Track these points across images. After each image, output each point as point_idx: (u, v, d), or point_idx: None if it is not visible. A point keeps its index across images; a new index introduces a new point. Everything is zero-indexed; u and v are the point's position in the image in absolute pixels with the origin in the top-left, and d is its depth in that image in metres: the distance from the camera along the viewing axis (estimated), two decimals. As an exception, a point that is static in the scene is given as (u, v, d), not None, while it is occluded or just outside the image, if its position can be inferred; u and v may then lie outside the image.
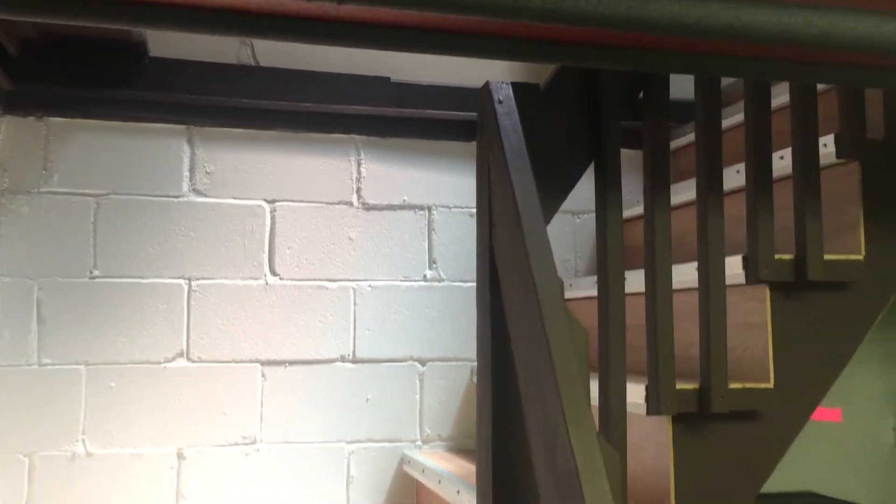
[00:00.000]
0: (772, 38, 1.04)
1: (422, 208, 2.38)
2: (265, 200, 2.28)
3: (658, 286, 1.45)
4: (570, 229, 2.51)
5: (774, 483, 2.56)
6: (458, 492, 1.78)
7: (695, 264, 1.56)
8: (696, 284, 1.53)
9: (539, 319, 1.16)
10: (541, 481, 1.15)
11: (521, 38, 1.11)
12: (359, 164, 2.34)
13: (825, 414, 1.75)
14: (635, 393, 1.47)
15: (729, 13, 1.01)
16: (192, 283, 2.21)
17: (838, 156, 1.58)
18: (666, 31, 1.02)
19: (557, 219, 2.47)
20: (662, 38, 1.12)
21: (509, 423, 1.34)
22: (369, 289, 2.32)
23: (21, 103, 2.13)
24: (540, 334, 1.15)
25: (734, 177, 1.70)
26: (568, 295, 2.33)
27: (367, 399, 2.30)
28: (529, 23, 0.97)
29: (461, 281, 2.38)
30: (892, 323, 2.72)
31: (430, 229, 2.38)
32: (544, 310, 1.16)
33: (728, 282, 1.51)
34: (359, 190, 2.34)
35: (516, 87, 1.42)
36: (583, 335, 1.20)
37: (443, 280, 2.37)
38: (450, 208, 2.39)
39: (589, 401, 1.23)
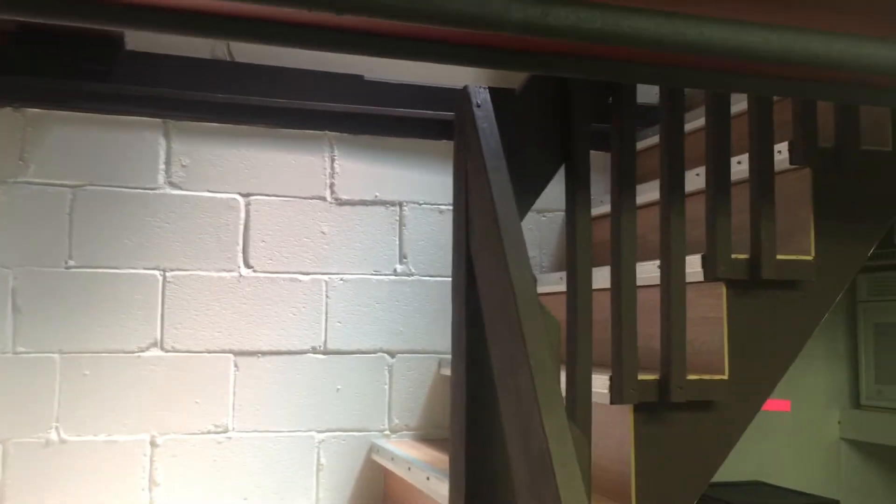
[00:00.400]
0: (732, 54, 1.13)
1: (393, 204, 2.44)
2: (240, 194, 2.33)
3: (623, 283, 1.54)
4: (536, 227, 2.59)
5: (726, 473, 2.67)
6: (428, 478, 1.85)
7: (657, 262, 1.64)
8: (658, 281, 1.62)
9: (515, 312, 1.23)
10: (514, 464, 1.23)
11: (498, 48, 1.19)
12: (332, 160, 2.40)
13: (776, 405, 1.86)
14: (600, 383, 1.55)
15: (694, 30, 1.10)
16: (167, 274, 2.25)
17: (791, 162, 1.69)
18: (637, 45, 1.10)
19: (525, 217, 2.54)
20: (633, 50, 1.20)
21: (482, 410, 1.42)
22: (341, 282, 2.39)
23: (-2, 93, 2.15)
24: (515, 326, 1.23)
25: (695, 180, 1.80)
26: (543, 290, 2.42)
27: (338, 389, 2.36)
28: (513, 35, 1.04)
29: (430, 275, 2.45)
30: (837, 321, 2.85)
31: (401, 224, 2.45)
32: (520, 303, 1.23)
33: (687, 279, 1.60)
34: (332, 185, 2.40)
35: (493, 91, 1.49)
36: (555, 327, 1.28)
37: (412, 274, 2.44)
38: (420, 204, 2.46)
39: (560, 389, 1.31)
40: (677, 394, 1.55)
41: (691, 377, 1.58)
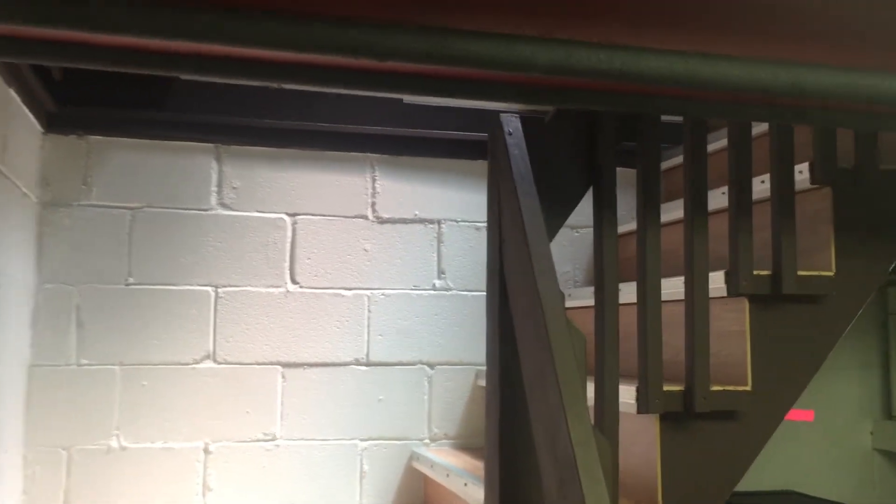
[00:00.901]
0: (743, 88, 1.22)
1: (431, 222, 2.55)
2: (287, 214, 2.45)
3: (648, 297, 1.63)
4: (569, 242, 2.68)
5: (758, 482, 2.73)
6: (466, 484, 1.95)
7: (682, 278, 1.73)
8: (682, 296, 1.70)
9: (543, 326, 1.33)
10: (543, 469, 1.33)
11: (528, 85, 1.29)
12: (373, 181, 2.52)
13: (799, 415, 1.91)
14: (627, 394, 1.64)
15: (708, 68, 1.19)
16: (219, 290, 2.39)
17: (812, 182, 1.76)
18: (654, 82, 1.19)
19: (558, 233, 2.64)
20: (652, 86, 1.29)
21: (514, 418, 1.51)
22: (382, 297, 2.50)
23: (63, 123, 2.31)
24: (544, 339, 1.32)
25: (719, 198, 1.88)
26: (568, 304, 2.51)
27: (380, 400, 2.47)
28: (540, 76, 1.14)
29: (468, 290, 2.55)
30: (869, 333, 2.89)
31: (440, 241, 2.55)
32: (548, 318, 1.33)
33: (711, 294, 1.68)
34: (373, 204, 2.52)
35: (524, 119, 1.60)
36: (581, 341, 1.38)
37: (451, 289, 2.55)
38: (457, 222, 2.56)
39: (586, 399, 1.41)
40: (701, 404, 1.63)
41: (715, 388, 1.65)
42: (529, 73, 1.13)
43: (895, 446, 2.78)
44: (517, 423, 1.50)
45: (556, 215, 1.63)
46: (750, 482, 2.73)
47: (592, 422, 1.58)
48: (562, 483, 1.24)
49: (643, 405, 1.62)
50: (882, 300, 2.90)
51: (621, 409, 1.63)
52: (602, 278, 1.61)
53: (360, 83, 1.16)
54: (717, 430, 1.67)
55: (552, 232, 1.64)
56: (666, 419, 1.65)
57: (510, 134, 1.58)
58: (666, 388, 1.64)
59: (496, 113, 1.61)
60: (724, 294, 1.71)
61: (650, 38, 1.18)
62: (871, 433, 2.84)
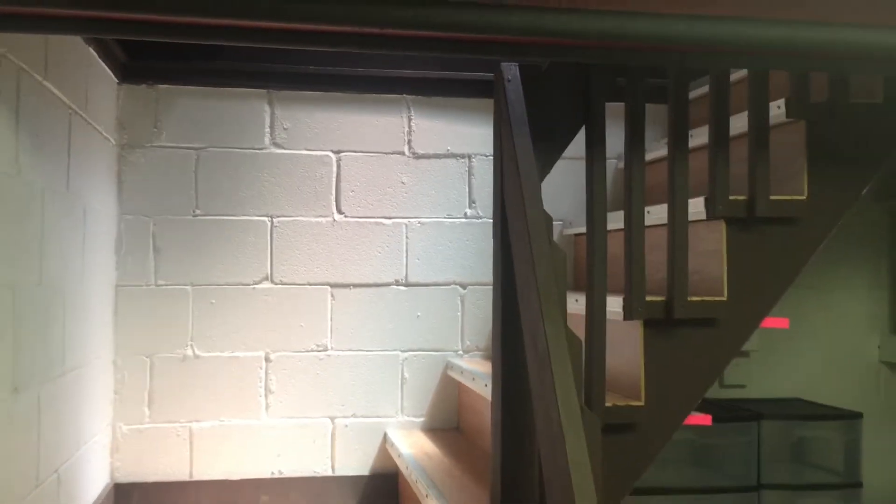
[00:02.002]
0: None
1: (463, 157, 2.82)
2: (332, 151, 2.75)
3: (633, 221, 1.87)
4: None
5: (769, 390, 2.97)
6: (486, 385, 2.25)
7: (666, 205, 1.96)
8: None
9: (528, 244, 1.60)
10: (528, 361, 1.61)
11: (522, 44, 1.53)
12: (409, 120, 2.79)
13: (774, 322, 2.12)
14: (615, 304, 1.90)
15: (657, 27, 1.42)
16: (274, 220, 2.71)
17: (788, 116, 1.96)
18: (618, 39, 1.43)
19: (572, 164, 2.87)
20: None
21: (512, 323, 1.80)
22: (419, 225, 2.79)
23: (135, 74, 2.63)
24: (529, 255, 1.59)
25: (702, 135, 2.09)
26: (573, 230, 2.77)
27: (418, 316, 2.78)
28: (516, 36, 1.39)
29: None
30: (880, 254, 3.07)
31: (470, 174, 2.82)
32: (532, 238, 1.60)
33: (693, 218, 1.92)
34: (409, 141, 2.79)
35: (522, 68, 1.84)
36: (562, 257, 1.65)
37: (480, 217, 2.82)
38: (486, 156, 2.82)
39: (564, 304, 1.68)
40: (680, 311, 1.88)
41: (693, 298, 1.90)
42: (505, 34, 1.38)
43: (900, 359, 2.98)
44: (514, 327, 1.79)
45: (551, 151, 1.88)
46: (760, 390, 2.98)
47: (584, 328, 1.86)
48: (540, 370, 1.52)
49: (628, 313, 1.88)
50: (891, 224, 3.06)
51: (610, 317, 1.89)
52: (592, 204, 1.85)
53: (368, 45, 1.43)
54: (694, 335, 1.92)
55: (549, 165, 1.89)
56: (649, 325, 1.90)
57: (509, 81, 1.82)
58: (649, 298, 1.89)
59: (498, 65, 1.85)
60: (704, 217, 1.94)
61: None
62: (879, 347, 3.05)
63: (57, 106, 1.92)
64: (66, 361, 2.02)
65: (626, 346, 1.97)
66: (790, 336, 2.99)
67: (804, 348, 3.00)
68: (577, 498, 1.33)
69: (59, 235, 1.94)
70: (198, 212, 2.67)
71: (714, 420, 2.51)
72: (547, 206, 1.70)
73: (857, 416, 2.69)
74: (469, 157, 2.82)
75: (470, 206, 2.82)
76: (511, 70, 1.83)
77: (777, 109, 1.98)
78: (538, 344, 1.55)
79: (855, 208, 2.98)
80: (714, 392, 2.95)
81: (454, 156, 2.81)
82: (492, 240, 2.80)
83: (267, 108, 2.71)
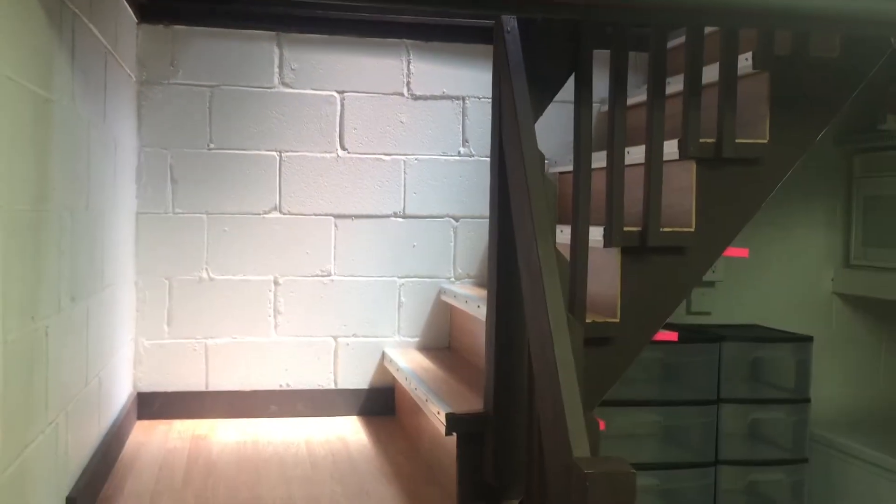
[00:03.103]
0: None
1: (457, 98, 3.03)
2: (336, 91, 2.95)
3: (615, 159, 2.11)
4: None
5: (729, 316, 3.27)
6: (479, 306, 2.51)
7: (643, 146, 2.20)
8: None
9: (524, 177, 1.84)
10: (522, 280, 1.86)
11: (521, 3, 1.74)
12: (408, 63, 2.99)
13: (735, 252, 2.38)
14: (596, 232, 2.15)
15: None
16: (283, 154, 2.92)
17: (754, 67, 2.19)
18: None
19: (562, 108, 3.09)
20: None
21: (507, 250, 2.04)
22: (416, 161, 3.01)
23: (153, 14, 2.80)
24: (524, 186, 1.83)
25: (678, 83, 2.32)
26: (560, 169, 3.01)
27: (414, 245, 3.03)
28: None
29: (487, 156, 3.05)
30: (836, 195, 3.35)
31: (464, 115, 3.04)
32: (528, 171, 1.83)
33: (667, 158, 2.16)
34: (408, 83, 3.00)
35: (520, 21, 2.05)
36: (552, 188, 1.89)
37: (473, 155, 3.05)
38: (479, 98, 3.03)
39: (554, 229, 1.93)
40: (653, 239, 2.13)
41: (665, 229, 2.15)
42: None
43: (850, 290, 3.28)
44: (508, 253, 2.04)
45: (544, 94, 2.11)
46: (724, 316, 3.27)
47: (568, 255, 2.11)
48: (532, 286, 1.78)
49: (608, 240, 2.13)
50: (848, 167, 3.33)
51: (592, 245, 2.14)
52: (579, 144, 2.09)
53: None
54: (665, 261, 2.18)
55: (542, 107, 2.13)
56: (626, 252, 2.16)
57: (508, 32, 2.04)
58: (626, 228, 2.14)
59: (498, 18, 2.06)
60: (677, 157, 2.18)
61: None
62: (832, 279, 3.34)
63: (98, 46, 2.11)
64: (105, 279, 2.25)
65: (605, 271, 2.23)
66: (752, 268, 3.28)
67: (764, 280, 3.29)
68: (563, 389, 1.60)
69: (98, 165, 2.15)
70: (212, 146, 2.87)
71: (681, 341, 2.81)
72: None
73: (807, 339, 2.99)
74: (463, 98, 3.04)
75: (463, 145, 3.05)
76: (510, 22, 2.05)
77: (745, 61, 2.21)
78: (531, 261, 1.80)
79: (816, 151, 3.27)
80: (682, 318, 3.24)
81: (449, 97, 3.03)
82: (483, 176, 3.05)
83: (276, 49, 2.90)
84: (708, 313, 3.26)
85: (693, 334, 2.95)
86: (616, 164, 2.11)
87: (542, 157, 1.93)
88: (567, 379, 1.62)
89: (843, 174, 3.34)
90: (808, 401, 2.96)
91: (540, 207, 1.80)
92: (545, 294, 1.71)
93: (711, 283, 3.24)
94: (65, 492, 1.83)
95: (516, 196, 1.92)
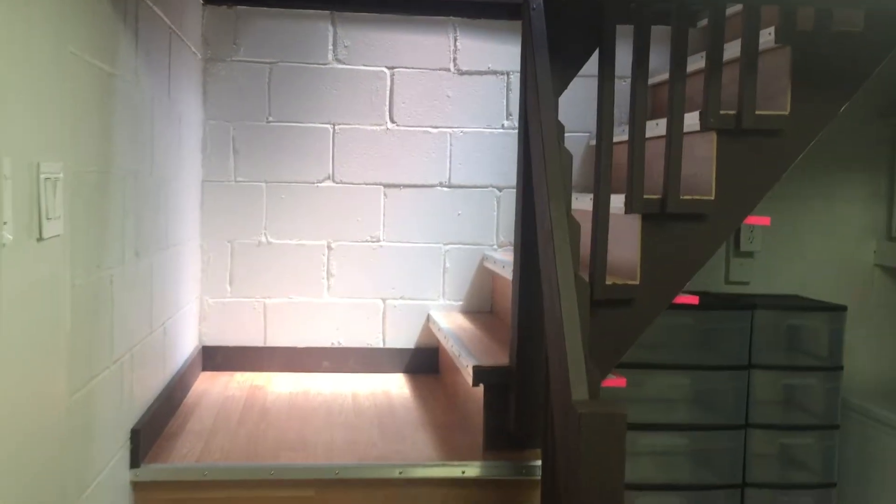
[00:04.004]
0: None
1: (502, 73, 3.17)
2: (386, 67, 3.12)
3: (636, 133, 2.23)
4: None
5: (769, 286, 3.34)
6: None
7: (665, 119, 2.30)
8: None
9: (542, 146, 1.98)
10: (538, 240, 2.01)
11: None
12: (455, 40, 3.14)
13: (756, 220, 2.44)
14: (618, 200, 2.27)
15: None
16: (336, 127, 3.12)
17: (776, 41, 2.27)
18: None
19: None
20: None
21: (529, 218, 2.19)
22: (461, 133, 3.17)
23: (217, -3, 3.02)
24: (541, 155, 1.97)
25: (698, 61, 2.41)
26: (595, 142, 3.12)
27: (459, 214, 3.19)
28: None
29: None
30: (880, 168, 3.36)
31: (508, 89, 3.18)
32: (545, 141, 1.97)
33: (689, 129, 2.26)
34: (454, 59, 3.15)
35: (545, -2, 2.18)
36: (568, 157, 2.02)
37: (515, 128, 3.18)
38: (523, 73, 3.16)
39: (568, 195, 2.06)
40: (673, 207, 2.24)
41: (685, 197, 2.26)
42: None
43: (893, 262, 3.30)
44: (530, 221, 2.18)
45: (568, 69, 2.23)
46: (762, 287, 3.34)
47: (591, 221, 2.24)
48: (544, 247, 1.93)
49: (629, 207, 2.25)
50: (892, 140, 3.34)
51: (613, 211, 2.27)
52: (602, 117, 2.21)
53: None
54: (685, 227, 2.29)
55: (566, 82, 2.25)
56: (646, 219, 2.27)
57: (534, 9, 2.17)
58: (646, 196, 2.26)
59: (525, -5, 2.19)
60: (698, 129, 2.29)
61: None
62: (874, 252, 3.37)
63: (161, 26, 2.33)
64: (168, 239, 2.49)
65: (626, 237, 2.35)
66: (792, 239, 3.33)
67: (805, 251, 3.34)
68: (567, 339, 1.75)
69: (163, 136, 2.37)
70: (270, 119, 3.08)
71: (714, 308, 2.91)
72: (575, 121, 2.07)
73: (842, 308, 3.04)
74: (507, 73, 3.17)
75: (507, 119, 3.19)
76: (535, 0, 2.18)
77: (767, 36, 2.29)
78: (544, 224, 1.94)
79: (861, 125, 3.32)
80: (720, 287, 3.32)
81: (494, 72, 3.17)
82: (525, 148, 3.19)
83: (330, 27, 3.09)
84: (746, 283, 3.33)
85: (727, 302, 3.04)
86: (637, 134, 2.23)
87: (561, 127, 2.06)
88: (571, 330, 1.77)
89: (888, 147, 3.35)
90: (840, 368, 3.02)
91: (554, 174, 1.94)
92: (555, 253, 1.86)
93: (750, 254, 3.32)
94: (130, 424, 2.07)
95: (536, 163, 2.06)
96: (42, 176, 1.39)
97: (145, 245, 2.19)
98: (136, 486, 2.09)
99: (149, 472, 2.11)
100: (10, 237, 1.26)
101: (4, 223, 1.23)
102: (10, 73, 1.25)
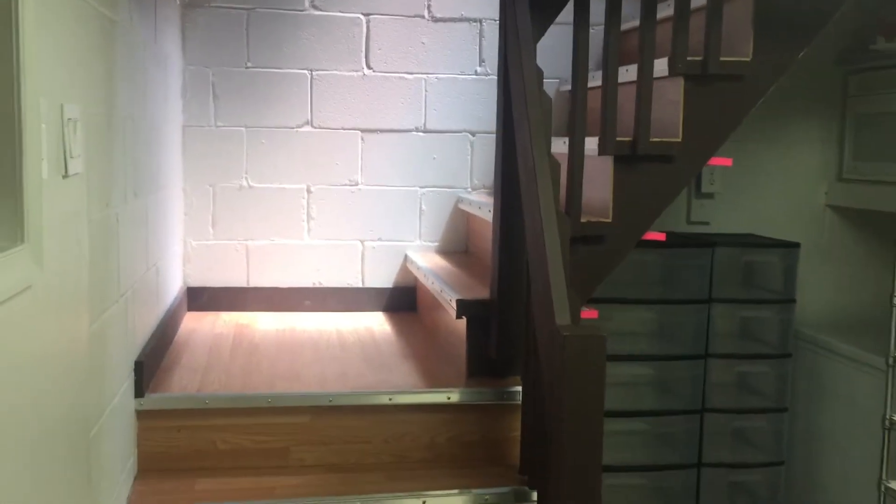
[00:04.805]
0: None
1: (475, 20, 3.26)
2: (362, 13, 3.20)
3: (609, 76, 2.35)
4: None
5: (725, 225, 3.52)
6: (490, 211, 2.79)
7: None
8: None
9: (523, 92, 2.09)
10: (520, 179, 2.14)
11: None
12: (429, -13, 3.22)
13: (720, 161, 2.61)
14: (592, 142, 2.41)
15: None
16: (313, 73, 3.19)
17: (740, -8, 2.41)
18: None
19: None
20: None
21: (510, 157, 2.31)
22: (436, 80, 3.27)
23: (194, -58, 3.05)
24: (523, 100, 2.09)
25: (666, 9, 2.53)
26: (569, 87, 3.24)
27: (434, 158, 3.30)
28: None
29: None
30: (832, 114, 3.55)
31: (481, 36, 3.27)
32: (526, 86, 2.09)
33: (658, 74, 2.40)
34: (429, 6, 3.23)
35: (524, -52, 2.27)
36: (548, 101, 2.14)
37: (489, 74, 3.29)
38: (495, 20, 3.25)
39: (549, 137, 2.19)
40: (643, 148, 2.38)
41: (654, 140, 2.40)
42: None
43: (843, 202, 3.51)
44: (511, 160, 2.31)
45: (546, 16, 2.34)
46: (721, 226, 3.53)
47: (566, 163, 2.37)
48: (527, 184, 2.06)
49: (602, 148, 2.39)
50: (843, 86, 3.52)
51: (588, 153, 2.40)
52: (577, 62, 2.33)
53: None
54: (654, 168, 2.43)
55: (543, 29, 2.37)
56: (619, 160, 2.41)
57: (513, -41, 2.27)
58: (619, 139, 2.40)
59: (505, -58, 2.29)
60: (667, 74, 2.42)
61: None
62: (826, 192, 3.57)
63: (149, -27, 2.38)
64: (159, 181, 2.57)
65: (599, 178, 2.49)
66: (749, 181, 3.51)
67: (761, 192, 3.53)
68: (551, 270, 1.89)
69: (152, 80, 2.44)
70: (249, 64, 3.15)
71: (676, 245, 3.08)
72: (547, 66, 2.19)
73: (795, 245, 3.24)
74: (480, 21, 3.26)
75: (480, 65, 3.29)
76: (515, -50, 2.27)
77: (732, -14, 2.42)
78: (527, 163, 2.07)
79: (816, 72, 3.48)
80: (682, 227, 3.50)
81: (467, 20, 3.26)
82: (496, 93, 3.30)
83: (307, -26, 3.15)
84: (706, 223, 3.51)
85: (688, 240, 3.21)
86: (610, 79, 2.36)
87: (540, 72, 2.18)
88: (554, 261, 1.91)
89: (839, 93, 3.53)
90: (793, 301, 3.23)
91: (536, 116, 2.06)
92: (538, 190, 1.99)
93: (710, 195, 3.49)
94: (133, 356, 2.18)
95: (517, 108, 2.18)
96: (66, 117, 1.48)
97: (141, 186, 2.27)
98: (141, 414, 2.20)
99: (152, 401, 2.22)
100: (46, 174, 1.35)
101: (42, 160, 1.32)
102: (36, 17, 1.32)
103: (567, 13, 2.36)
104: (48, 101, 1.37)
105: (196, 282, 3.19)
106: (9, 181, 1.22)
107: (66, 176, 1.49)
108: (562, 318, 1.82)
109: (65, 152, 1.48)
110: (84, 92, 1.65)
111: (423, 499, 2.14)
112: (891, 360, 2.80)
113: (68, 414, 1.52)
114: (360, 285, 3.30)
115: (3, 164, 1.21)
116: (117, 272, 1.96)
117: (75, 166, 1.54)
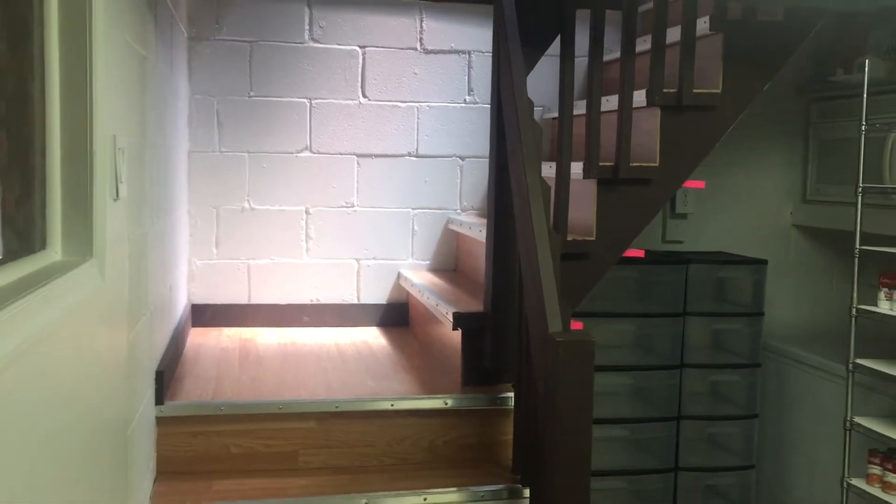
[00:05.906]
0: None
1: (464, 52, 3.48)
2: (358, 46, 3.40)
3: (593, 108, 2.57)
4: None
5: (696, 244, 3.75)
6: (480, 231, 2.99)
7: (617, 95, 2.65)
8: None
9: (517, 121, 2.30)
10: (514, 201, 2.34)
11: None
12: (421, 21, 3.43)
13: (693, 184, 2.84)
14: (577, 167, 2.62)
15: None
16: (312, 101, 3.38)
17: (710, 29, 2.64)
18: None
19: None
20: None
21: (503, 183, 2.52)
22: (428, 108, 3.47)
23: (200, -21, 3.24)
24: (516, 129, 2.30)
25: (643, 45, 2.76)
26: (552, 115, 3.46)
27: (426, 181, 3.50)
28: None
29: (489, 103, 3.50)
30: (796, 139, 3.80)
31: (469, 67, 3.49)
32: (519, 114, 2.30)
33: (637, 105, 2.62)
34: (421, 39, 3.44)
35: (515, -13, 2.49)
36: (539, 131, 2.35)
37: (477, 103, 3.50)
38: (483, 52, 3.48)
39: (540, 163, 2.40)
40: (624, 172, 2.60)
41: (634, 164, 2.62)
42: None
43: (807, 222, 3.75)
44: (504, 186, 2.51)
45: (536, 51, 2.56)
46: (694, 245, 3.76)
47: (553, 185, 2.57)
48: (521, 208, 2.26)
49: (587, 172, 2.60)
50: (806, 113, 3.78)
51: (573, 177, 2.61)
52: (563, 94, 2.55)
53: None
54: (634, 191, 2.65)
55: (533, 62, 2.58)
56: (601, 183, 2.62)
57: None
58: (602, 163, 2.61)
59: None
60: (645, 105, 2.64)
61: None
62: (791, 213, 3.81)
63: (167, 9, 2.57)
64: (172, 204, 2.74)
65: (584, 199, 2.70)
66: (721, 202, 3.75)
67: (732, 213, 3.77)
68: (544, 283, 2.09)
69: (168, 109, 2.62)
70: (252, 93, 3.33)
71: (653, 262, 3.29)
72: (532, 94, 2.40)
73: (763, 262, 3.47)
74: (469, 52, 3.48)
75: (469, 94, 3.50)
76: (507, -10, 2.49)
77: (703, 24, 2.66)
78: (521, 188, 2.28)
79: (780, 101, 3.73)
80: (658, 245, 3.72)
81: (457, 52, 3.47)
82: (486, 121, 3.51)
83: (307, 9, 3.35)
84: (680, 242, 3.74)
85: (664, 257, 3.43)
86: (594, 108, 2.58)
87: (531, 103, 2.39)
88: (547, 275, 2.11)
89: (802, 120, 3.79)
90: (762, 315, 3.46)
91: (529, 143, 2.27)
92: (531, 212, 2.19)
93: (684, 216, 3.72)
94: (154, 367, 2.34)
95: (511, 136, 2.39)
96: (117, 146, 1.66)
97: (161, 209, 2.45)
98: (160, 420, 2.36)
99: (171, 408, 2.38)
100: (113, 198, 1.53)
101: (106, 185, 1.50)
102: (100, 58, 1.51)
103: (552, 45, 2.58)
104: (107, 135, 1.55)
105: (200, 299, 3.36)
106: (82, 203, 1.40)
107: (116, 199, 1.67)
108: (554, 325, 2.01)
109: (116, 178, 1.66)
110: (126, 123, 1.83)
111: (424, 496, 2.32)
112: (851, 367, 3.03)
113: (116, 414, 1.69)
114: (355, 301, 3.48)
115: (78, 188, 1.39)
116: (146, 288, 2.13)
117: (123, 190, 1.72)
